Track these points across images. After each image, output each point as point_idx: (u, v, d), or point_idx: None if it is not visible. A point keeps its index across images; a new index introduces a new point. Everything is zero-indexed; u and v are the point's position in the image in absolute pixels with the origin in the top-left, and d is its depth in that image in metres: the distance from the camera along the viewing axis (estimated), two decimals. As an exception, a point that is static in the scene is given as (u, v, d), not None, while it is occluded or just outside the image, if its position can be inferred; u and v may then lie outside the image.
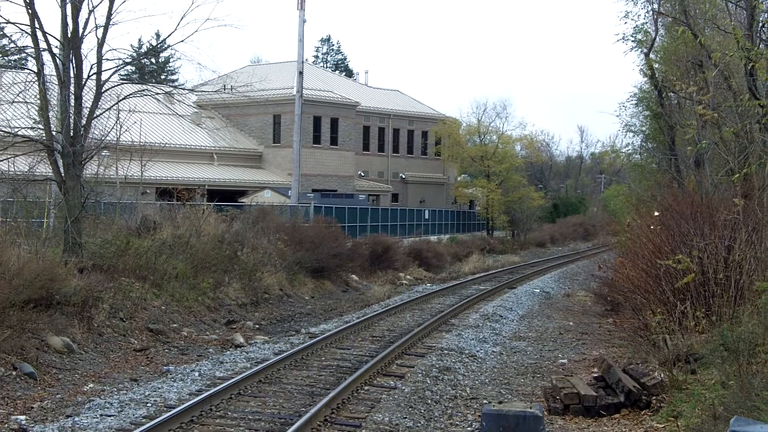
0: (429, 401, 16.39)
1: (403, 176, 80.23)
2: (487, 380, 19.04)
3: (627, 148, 53.17)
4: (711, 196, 22.97)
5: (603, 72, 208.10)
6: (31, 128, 25.07)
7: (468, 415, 15.69)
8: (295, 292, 33.66)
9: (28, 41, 23.82)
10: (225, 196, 55.52)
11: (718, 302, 17.51)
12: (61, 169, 23.57)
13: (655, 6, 36.41)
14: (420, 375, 18.49)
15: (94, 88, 24.17)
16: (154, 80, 74.58)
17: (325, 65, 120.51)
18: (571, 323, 28.79)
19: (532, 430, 13.89)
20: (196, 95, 56.27)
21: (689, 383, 14.93)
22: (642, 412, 15.17)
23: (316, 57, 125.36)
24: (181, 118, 34.25)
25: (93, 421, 13.79)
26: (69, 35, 23.38)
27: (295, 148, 52.28)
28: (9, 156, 24.50)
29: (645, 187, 40.30)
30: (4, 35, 25.15)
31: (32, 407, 15.08)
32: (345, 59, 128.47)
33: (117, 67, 25.58)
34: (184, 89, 31.87)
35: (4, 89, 25.65)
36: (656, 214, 26.36)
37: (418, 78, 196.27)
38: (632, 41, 37.27)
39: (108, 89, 24.78)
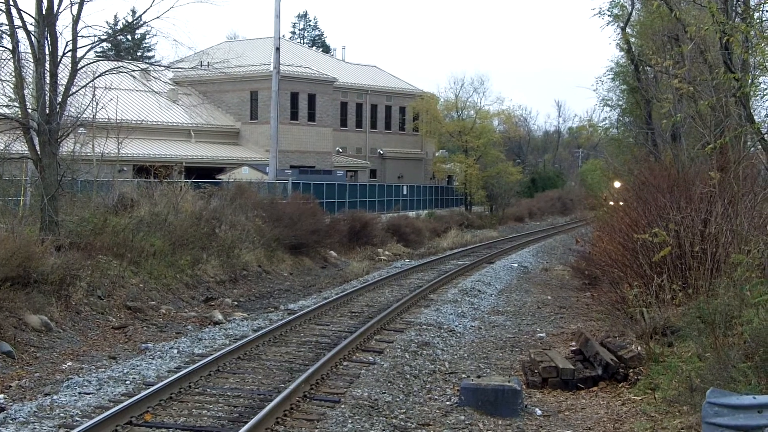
0: (408, 376, 16.44)
1: (381, 152, 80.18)
2: (465, 355, 19.12)
3: (604, 123, 53.53)
4: (687, 170, 23.09)
5: (580, 47, 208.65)
6: (7, 106, 24.90)
7: (447, 390, 15.75)
8: (273, 268, 33.64)
9: (2, 18, 23.56)
10: (202, 173, 55.20)
11: (695, 275, 17.65)
12: (37, 147, 23.40)
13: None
14: (399, 350, 18.53)
15: (70, 65, 23.99)
16: (130, 57, 74.03)
17: (302, 41, 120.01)
18: (549, 297, 28.92)
19: (510, 403, 14.01)
20: (173, 72, 56.10)
21: (666, 356, 15.06)
22: (619, 385, 15.30)
23: (293, 33, 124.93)
24: (158, 95, 33.99)
25: (71, 399, 13.76)
26: (44, 12, 23.15)
27: (272, 124, 52.09)
28: (-16, 134, 24.37)
29: (622, 161, 40.52)
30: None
31: (10, 386, 15.04)
32: (322, 35, 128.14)
33: (92, 44, 25.37)
34: (160, 66, 31.53)
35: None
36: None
37: (396, 54, 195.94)
38: (609, 15, 37.49)
39: (84, 66, 24.61)
